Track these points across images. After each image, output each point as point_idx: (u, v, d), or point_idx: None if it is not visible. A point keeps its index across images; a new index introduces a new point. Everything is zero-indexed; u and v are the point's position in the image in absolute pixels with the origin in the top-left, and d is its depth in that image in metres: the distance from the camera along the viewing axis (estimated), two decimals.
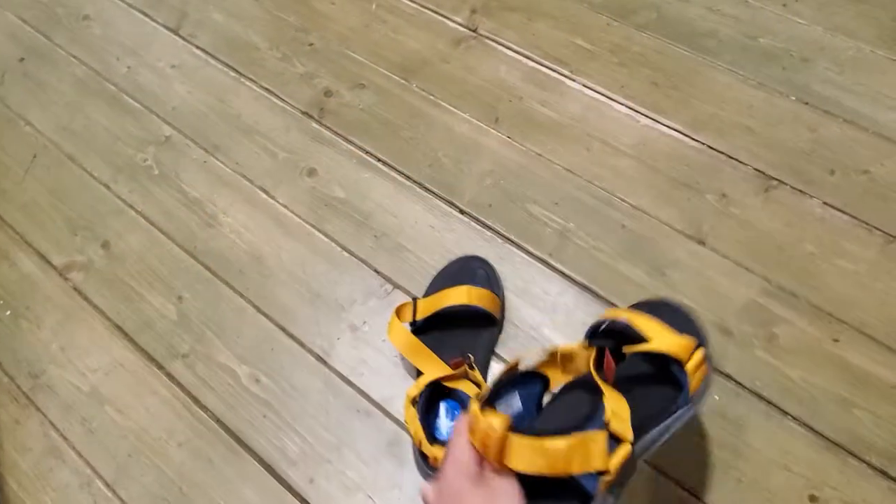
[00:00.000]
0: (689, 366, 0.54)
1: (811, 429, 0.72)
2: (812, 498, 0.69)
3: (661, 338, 0.54)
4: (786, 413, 0.73)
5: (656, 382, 0.56)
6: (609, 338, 0.58)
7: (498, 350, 0.80)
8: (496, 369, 0.79)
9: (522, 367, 0.55)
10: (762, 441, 0.72)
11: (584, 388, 0.54)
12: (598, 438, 0.46)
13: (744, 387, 0.75)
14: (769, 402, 0.74)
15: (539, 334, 0.80)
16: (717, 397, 0.75)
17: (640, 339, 0.56)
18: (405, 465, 0.76)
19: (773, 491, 0.69)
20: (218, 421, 0.81)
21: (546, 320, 0.81)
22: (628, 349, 0.57)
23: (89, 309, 0.90)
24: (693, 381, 0.55)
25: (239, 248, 0.92)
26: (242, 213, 0.94)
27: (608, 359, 0.54)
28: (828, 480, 0.69)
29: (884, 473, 0.69)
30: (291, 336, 0.85)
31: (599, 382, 0.50)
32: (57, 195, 1.00)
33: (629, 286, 0.82)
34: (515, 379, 0.56)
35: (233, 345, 0.85)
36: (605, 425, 0.48)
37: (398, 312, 0.77)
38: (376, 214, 0.91)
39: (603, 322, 0.58)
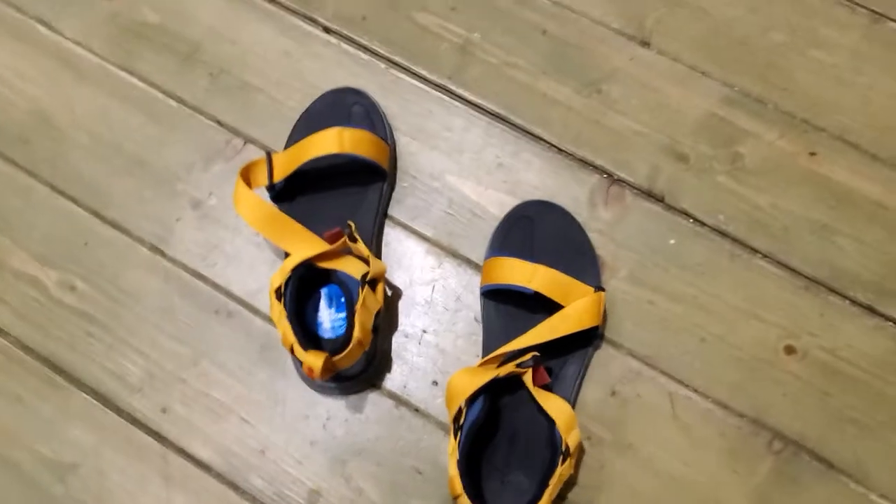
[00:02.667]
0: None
1: (785, 266, 0.58)
2: (789, 349, 0.56)
3: (574, 313, 0.53)
4: (754, 250, 0.59)
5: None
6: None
7: (393, 212, 0.61)
8: (392, 237, 0.60)
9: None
10: (727, 288, 0.58)
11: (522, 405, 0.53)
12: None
13: (703, 223, 0.59)
14: (734, 239, 0.59)
15: (442, 184, 0.61)
16: (672, 241, 0.59)
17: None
18: (286, 374, 0.58)
19: (743, 346, 0.56)
20: (23, 347, 0.60)
21: (450, 165, 0.61)
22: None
23: None
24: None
25: (14, 107, 0.65)
26: (14, 57, 0.66)
27: (541, 372, 0.51)
28: (806, 326, 0.57)
29: (870, 310, 0.57)
30: (110, 222, 0.62)
31: (544, 405, 0.51)
32: None
33: (555, 110, 0.62)
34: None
35: (27, 243, 0.62)
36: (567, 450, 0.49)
37: (246, 175, 0.55)
38: (208, 43, 0.66)
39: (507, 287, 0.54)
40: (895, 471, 0.54)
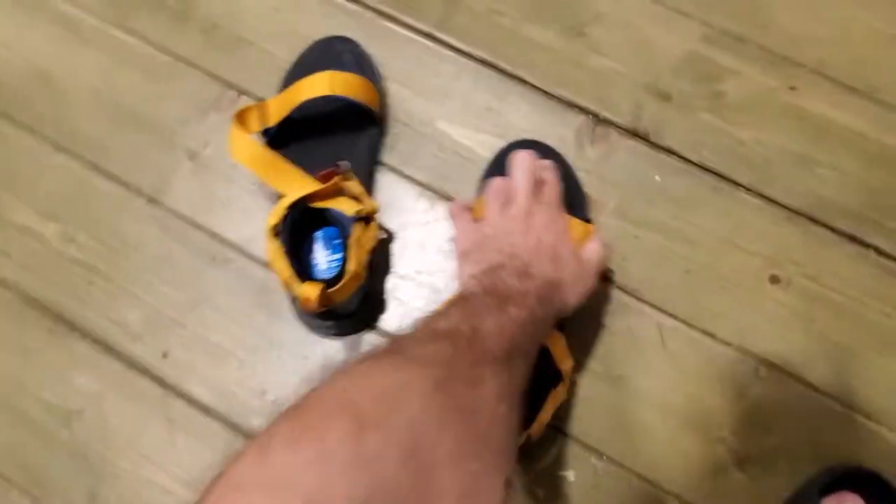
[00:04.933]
0: None
1: (767, 198, 0.59)
2: (773, 279, 0.58)
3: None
4: (737, 184, 0.60)
5: None
6: None
7: (384, 157, 0.62)
8: (384, 182, 0.62)
9: None
10: (711, 221, 0.59)
11: None
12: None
13: (687, 160, 0.61)
14: (717, 174, 0.60)
15: (433, 130, 0.62)
16: (657, 178, 0.60)
17: None
18: (283, 318, 0.59)
19: (728, 276, 0.58)
20: (28, 298, 0.61)
21: (440, 110, 0.63)
22: None
23: None
24: None
25: (15, 68, 0.67)
26: (12, 22, 0.68)
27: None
28: (789, 255, 0.58)
29: (852, 238, 0.58)
30: (109, 176, 0.63)
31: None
32: None
33: (540, 54, 0.63)
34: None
35: (30, 198, 0.63)
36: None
37: (240, 120, 0.56)
38: (201, 1, 0.67)
39: None
40: (879, 392, 0.55)
